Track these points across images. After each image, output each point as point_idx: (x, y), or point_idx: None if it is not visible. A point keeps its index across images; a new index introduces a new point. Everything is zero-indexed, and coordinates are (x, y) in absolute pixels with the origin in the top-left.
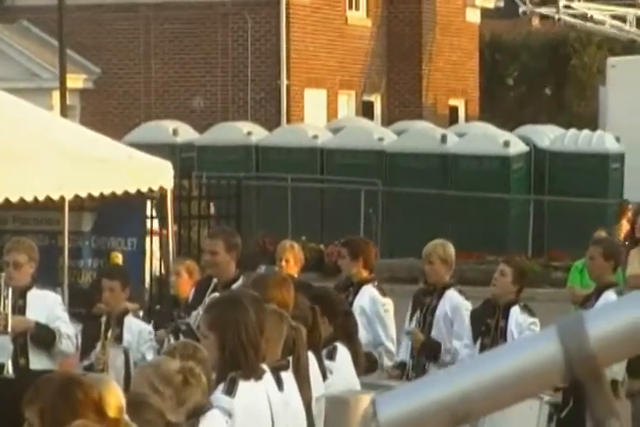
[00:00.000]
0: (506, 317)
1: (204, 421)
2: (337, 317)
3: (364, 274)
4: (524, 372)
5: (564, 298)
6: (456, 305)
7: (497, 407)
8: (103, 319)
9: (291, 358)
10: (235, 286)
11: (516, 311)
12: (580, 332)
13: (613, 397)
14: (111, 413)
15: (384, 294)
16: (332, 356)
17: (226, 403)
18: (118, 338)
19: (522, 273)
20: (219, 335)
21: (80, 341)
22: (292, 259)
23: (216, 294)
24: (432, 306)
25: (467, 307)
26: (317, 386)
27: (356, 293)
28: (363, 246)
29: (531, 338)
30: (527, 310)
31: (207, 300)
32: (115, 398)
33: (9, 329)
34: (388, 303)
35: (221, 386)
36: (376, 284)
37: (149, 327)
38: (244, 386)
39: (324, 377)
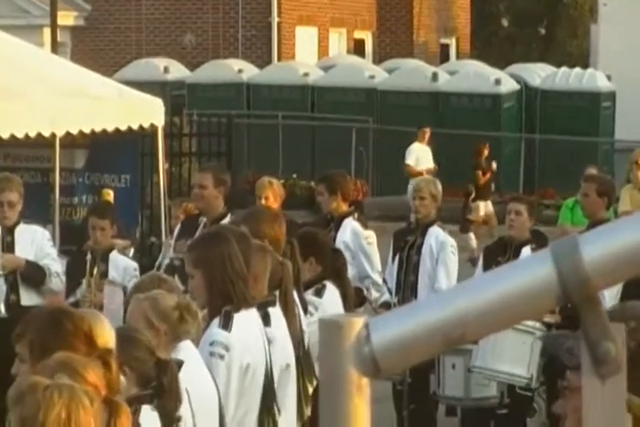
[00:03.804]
0: (517, 256)
1: (180, 351)
2: (325, 256)
3: (344, 208)
4: (518, 294)
5: (555, 236)
6: (442, 242)
7: (491, 330)
8: (88, 257)
9: (277, 294)
10: (223, 222)
11: (527, 253)
12: (574, 254)
13: (608, 320)
14: (102, 344)
15: (365, 226)
16: (319, 293)
17: (223, 337)
18: (104, 275)
19: (533, 208)
20: (205, 272)
21: (65, 278)
22: (271, 196)
23: None
24: (417, 244)
25: (451, 243)
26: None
27: (337, 227)
28: (339, 180)
29: (525, 261)
30: None
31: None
32: (106, 331)
33: (0, 269)
34: (371, 235)
35: (216, 320)
36: (356, 216)
37: (135, 264)
38: (238, 318)
39: (305, 311)
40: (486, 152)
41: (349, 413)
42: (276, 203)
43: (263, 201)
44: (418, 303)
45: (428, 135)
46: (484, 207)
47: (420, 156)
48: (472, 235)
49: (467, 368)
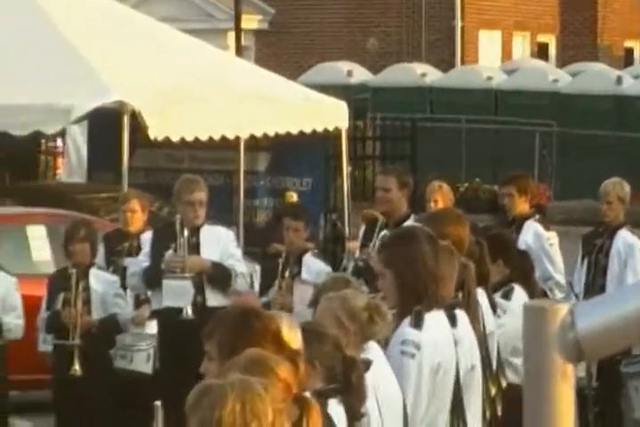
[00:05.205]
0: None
1: (367, 352)
2: (513, 258)
3: (527, 209)
4: None
5: None
6: (630, 244)
7: None
8: (281, 259)
9: (460, 295)
10: (405, 224)
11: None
12: None
13: None
14: (292, 344)
15: (547, 227)
16: (507, 296)
17: (414, 336)
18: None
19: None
20: (395, 272)
21: (259, 280)
22: (440, 199)
23: (386, 232)
24: (605, 247)
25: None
26: (488, 321)
27: (518, 229)
28: (528, 182)
29: None
30: None
31: (376, 238)
32: (293, 332)
33: (187, 271)
34: (553, 237)
35: (407, 320)
36: (537, 218)
37: (328, 268)
38: (428, 318)
39: (494, 312)
40: None
41: (555, 399)
42: (445, 206)
43: (432, 204)
44: (622, 291)
45: None
46: None
47: None
48: None
49: None
